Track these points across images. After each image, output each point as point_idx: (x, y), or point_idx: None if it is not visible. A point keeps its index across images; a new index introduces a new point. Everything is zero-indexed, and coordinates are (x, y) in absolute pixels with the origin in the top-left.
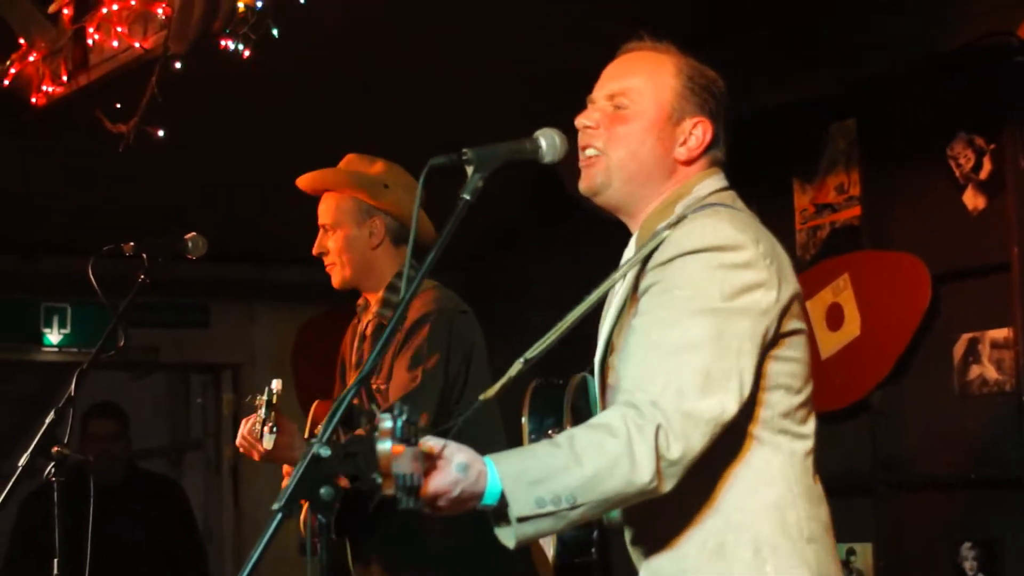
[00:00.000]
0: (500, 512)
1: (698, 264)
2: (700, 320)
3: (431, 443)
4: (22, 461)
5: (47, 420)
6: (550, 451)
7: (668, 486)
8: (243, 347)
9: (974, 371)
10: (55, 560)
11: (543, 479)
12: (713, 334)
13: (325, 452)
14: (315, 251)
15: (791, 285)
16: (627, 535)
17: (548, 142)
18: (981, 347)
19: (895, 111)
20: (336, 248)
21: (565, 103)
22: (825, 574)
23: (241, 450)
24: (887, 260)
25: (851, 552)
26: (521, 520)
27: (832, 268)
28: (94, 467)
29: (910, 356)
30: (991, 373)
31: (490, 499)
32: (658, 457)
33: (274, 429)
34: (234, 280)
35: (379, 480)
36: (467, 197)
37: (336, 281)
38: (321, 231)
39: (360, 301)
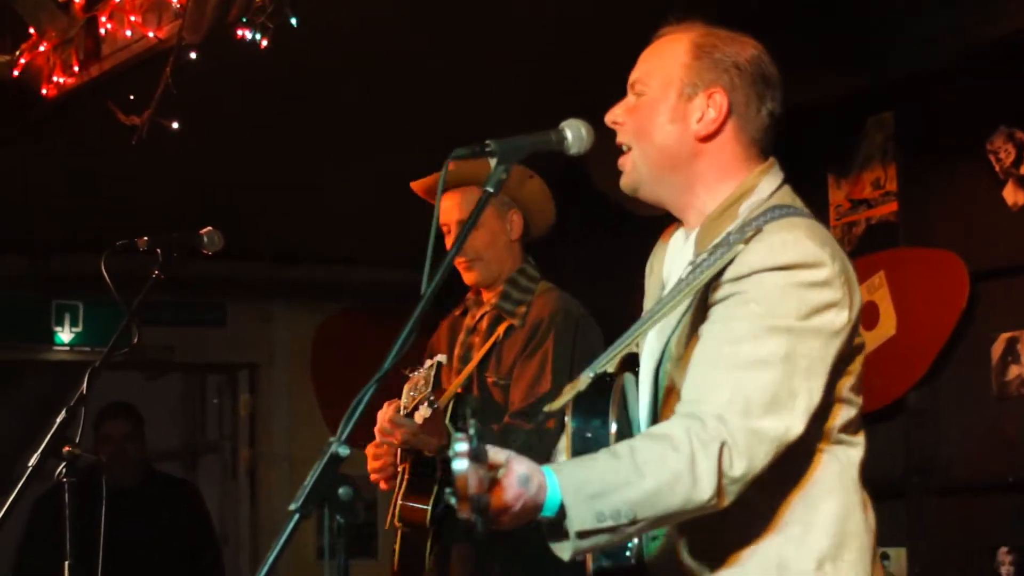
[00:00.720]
0: (556, 524)
1: (776, 281)
2: (773, 338)
3: (495, 455)
4: (32, 461)
5: (58, 420)
6: (611, 463)
7: (727, 502)
8: (261, 346)
9: (1013, 371)
10: (66, 563)
11: (604, 492)
12: (785, 353)
13: (344, 451)
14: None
15: (859, 300)
16: (682, 549)
17: (574, 133)
18: (1020, 347)
19: (933, 105)
20: (481, 245)
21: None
22: None
23: (379, 436)
24: (924, 257)
25: (884, 556)
26: (581, 535)
27: (867, 265)
28: (107, 469)
29: (947, 356)
30: None
31: (549, 511)
32: (720, 474)
33: (434, 404)
34: (252, 278)
35: (454, 502)
36: (490, 189)
37: (476, 279)
38: (455, 228)
39: (471, 295)
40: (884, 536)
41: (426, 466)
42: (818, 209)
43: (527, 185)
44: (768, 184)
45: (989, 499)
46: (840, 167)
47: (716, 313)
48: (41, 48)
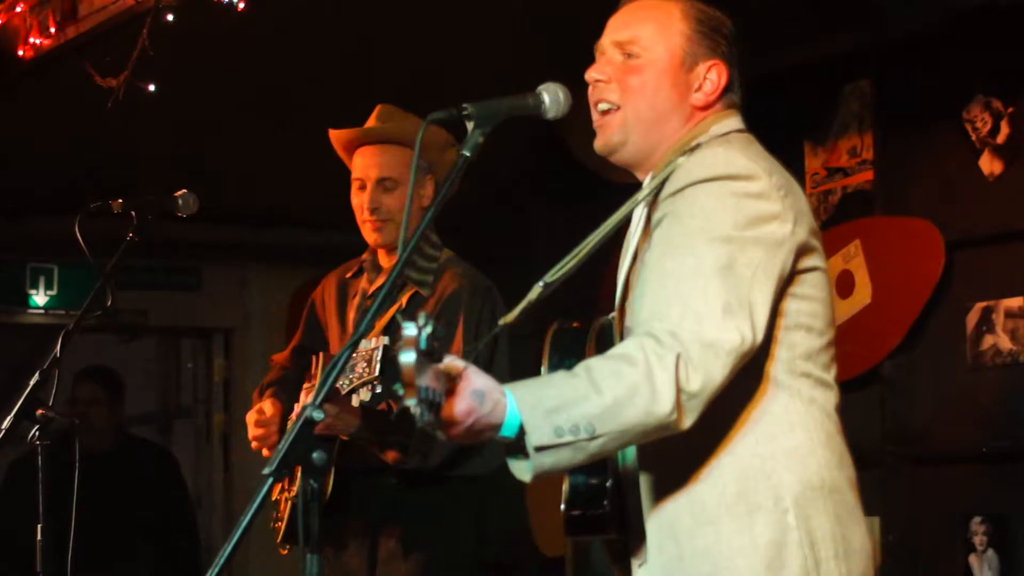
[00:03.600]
0: (516, 445)
1: (710, 192)
2: (714, 248)
3: (454, 363)
4: (5, 424)
5: (31, 383)
6: (567, 380)
7: (688, 421)
8: (235, 311)
9: (987, 341)
10: (39, 526)
11: (561, 407)
12: (726, 263)
13: (319, 415)
14: (370, 205)
15: (807, 220)
16: (642, 484)
17: (551, 97)
18: (995, 316)
19: (910, 73)
20: (396, 206)
21: (569, 57)
22: (848, 529)
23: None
24: (900, 226)
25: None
26: (539, 450)
27: (843, 234)
28: (80, 432)
29: (922, 325)
30: (1005, 343)
31: (508, 431)
32: (678, 389)
33: (376, 389)
34: (227, 241)
35: (400, 392)
36: (467, 153)
37: (383, 240)
38: (374, 185)
39: (366, 256)
40: None
41: (323, 438)
42: (793, 177)
43: (447, 153)
44: (725, 125)
45: (963, 469)
46: (816, 135)
47: (657, 235)
48: (18, 9)
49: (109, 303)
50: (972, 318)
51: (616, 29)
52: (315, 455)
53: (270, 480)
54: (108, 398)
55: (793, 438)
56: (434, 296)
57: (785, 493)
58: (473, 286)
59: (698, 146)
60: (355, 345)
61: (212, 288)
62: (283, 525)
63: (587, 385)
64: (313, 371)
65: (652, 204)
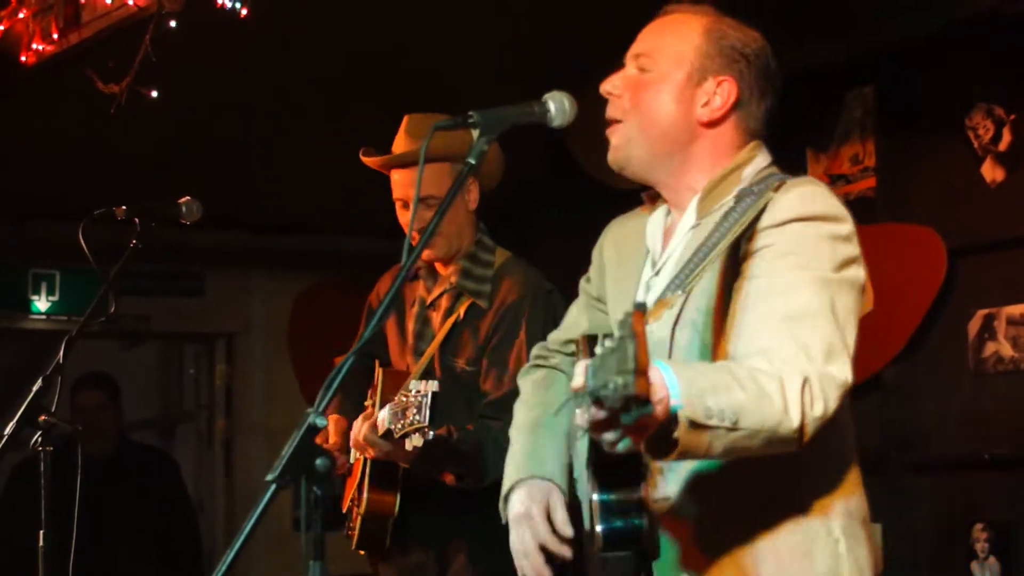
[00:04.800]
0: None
1: (809, 231)
2: (817, 288)
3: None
4: (8, 430)
5: (34, 389)
6: (712, 368)
7: (804, 443)
8: (238, 316)
9: (989, 348)
10: (40, 532)
11: (711, 390)
12: (830, 304)
13: (321, 422)
14: (416, 227)
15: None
16: (691, 511)
17: (557, 105)
18: (997, 323)
19: (913, 80)
20: (443, 220)
21: (580, 68)
22: (878, 556)
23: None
24: (902, 233)
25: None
26: (693, 425)
27: None
28: (82, 438)
29: (924, 332)
30: (1007, 350)
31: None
32: (803, 409)
33: (427, 436)
34: (230, 247)
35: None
36: (472, 161)
37: (436, 255)
38: (416, 205)
39: (420, 266)
40: None
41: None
42: None
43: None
44: (763, 158)
45: (965, 475)
46: (819, 141)
47: (756, 266)
48: (20, 15)
49: (112, 309)
50: (974, 325)
51: (639, 41)
52: (318, 462)
53: (273, 486)
54: (112, 403)
55: (838, 469)
56: (493, 307)
57: (835, 524)
58: (534, 295)
59: (781, 183)
60: (358, 353)
61: (215, 294)
62: (355, 534)
63: (730, 378)
64: (375, 383)
65: (746, 232)
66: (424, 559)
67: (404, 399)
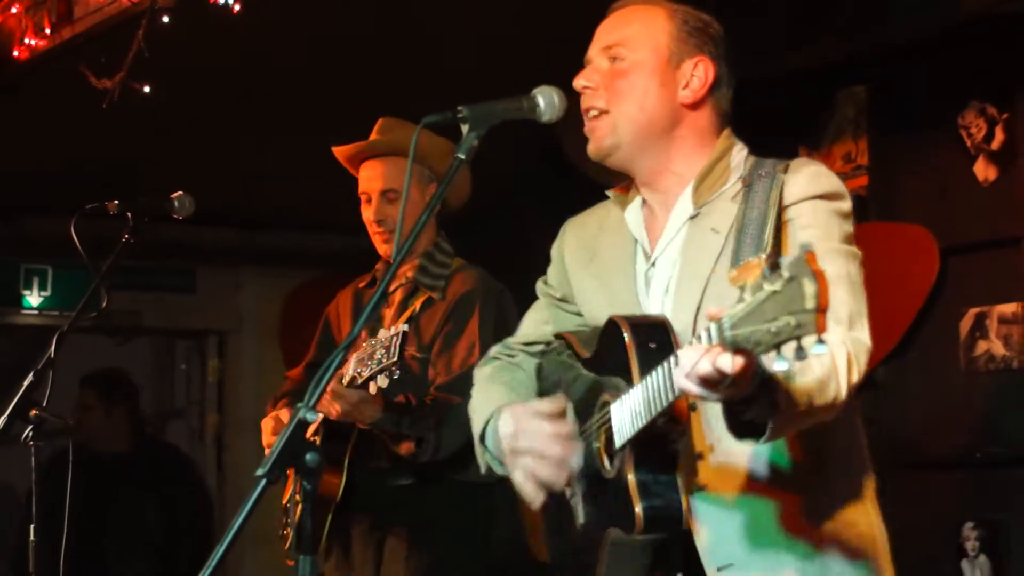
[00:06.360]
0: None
1: (822, 207)
2: (836, 259)
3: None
4: None
5: (25, 383)
6: None
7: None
8: (230, 313)
9: (981, 347)
10: (31, 527)
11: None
12: (847, 273)
13: (312, 417)
14: (375, 217)
15: None
16: (728, 496)
17: (546, 100)
18: (988, 322)
19: (906, 78)
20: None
21: (565, 63)
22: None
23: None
24: (894, 232)
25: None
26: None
27: None
28: (76, 434)
29: (916, 331)
30: (998, 349)
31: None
32: (849, 381)
33: (395, 375)
34: (221, 244)
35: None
36: (461, 156)
37: (391, 251)
38: (378, 198)
39: (379, 266)
40: None
41: (338, 432)
42: None
43: (449, 159)
44: (741, 146)
45: (956, 474)
46: (811, 140)
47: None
48: (13, 10)
49: (103, 304)
50: (966, 324)
51: (602, 35)
52: (308, 456)
53: (263, 481)
54: (104, 402)
55: (859, 449)
56: (446, 299)
57: (865, 497)
58: (486, 288)
59: (787, 164)
60: (347, 348)
61: (207, 290)
62: (291, 532)
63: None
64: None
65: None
66: (362, 551)
67: (371, 345)
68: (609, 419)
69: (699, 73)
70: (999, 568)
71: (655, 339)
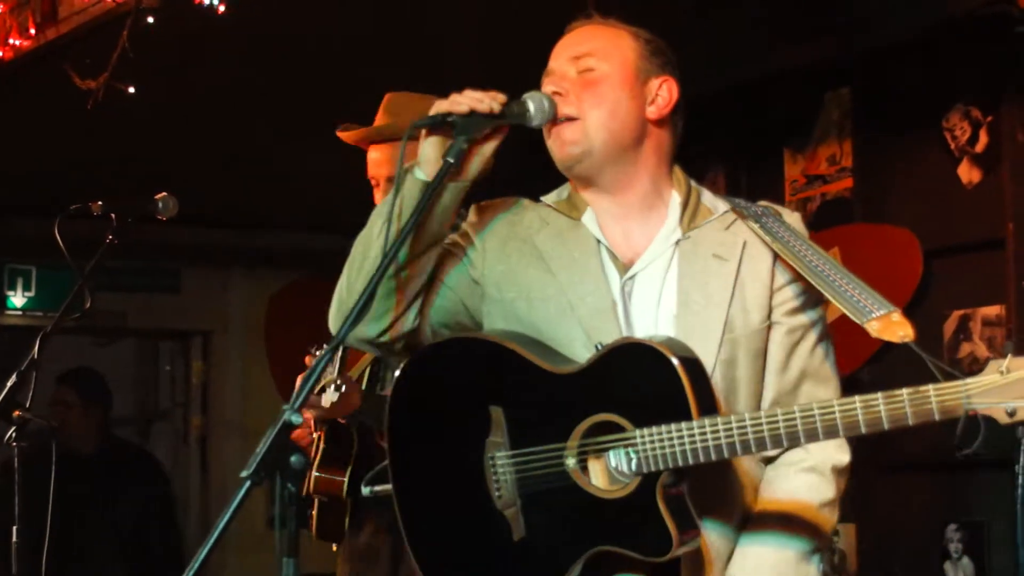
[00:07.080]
0: None
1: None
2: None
3: None
4: None
5: (8, 384)
6: None
7: None
8: (215, 314)
9: (964, 349)
10: (14, 527)
11: None
12: None
13: (297, 420)
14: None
15: None
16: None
17: (536, 105)
18: (972, 324)
19: (890, 81)
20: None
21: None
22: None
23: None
24: (878, 234)
25: (834, 532)
26: None
27: (822, 241)
28: (57, 434)
29: None
30: (982, 351)
31: None
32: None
33: (340, 388)
34: (206, 244)
35: None
36: (451, 160)
37: None
38: (385, 183)
39: None
40: None
41: (340, 435)
42: (774, 184)
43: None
44: (694, 182)
45: (939, 476)
46: (796, 142)
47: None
48: None
49: (87, 305)
50: (950, 326)
51: (567, 47)
52: (293, 459)
53: (248, 483)
54: (83, 400)
55: None
56: None
57: None
58: None
59: (776, 209)
60: (335, 349)
61: (191, 291)
62: (314, 521)
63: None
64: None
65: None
66: (376, 541)
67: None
68: (633, 440)
69: (663, 92)
70: (982, 570)
71: (700, 378)
